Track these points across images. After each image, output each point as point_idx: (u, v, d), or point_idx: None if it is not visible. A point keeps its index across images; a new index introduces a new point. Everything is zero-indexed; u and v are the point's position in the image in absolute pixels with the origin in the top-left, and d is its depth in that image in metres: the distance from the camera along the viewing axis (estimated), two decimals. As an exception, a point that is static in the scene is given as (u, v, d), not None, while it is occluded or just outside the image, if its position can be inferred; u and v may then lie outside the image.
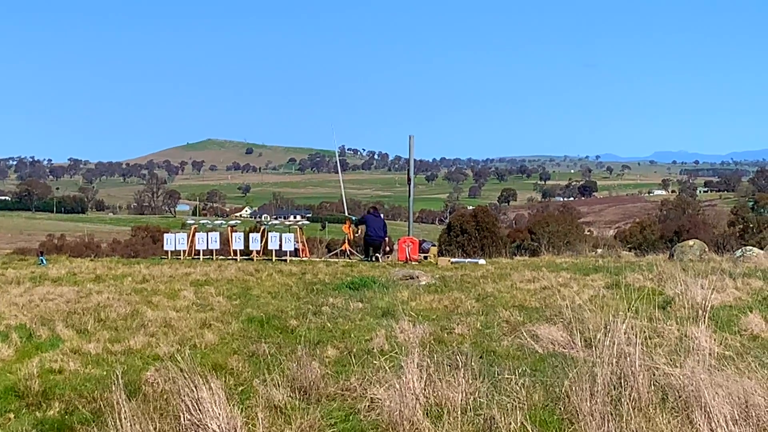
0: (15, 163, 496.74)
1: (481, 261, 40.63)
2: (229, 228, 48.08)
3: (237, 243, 45.47)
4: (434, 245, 48.02)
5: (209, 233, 46.04)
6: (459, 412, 11.75)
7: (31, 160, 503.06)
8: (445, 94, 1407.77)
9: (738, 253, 39.91)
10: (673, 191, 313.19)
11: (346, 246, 48.14)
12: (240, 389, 13.54)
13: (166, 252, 46.34)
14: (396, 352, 14.78)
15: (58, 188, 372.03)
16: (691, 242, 45.22)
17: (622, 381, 11.74)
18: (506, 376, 13.34)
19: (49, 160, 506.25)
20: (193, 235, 45.88)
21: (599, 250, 51.22)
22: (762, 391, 11.05)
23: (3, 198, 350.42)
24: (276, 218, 51.79)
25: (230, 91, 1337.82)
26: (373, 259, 41.34)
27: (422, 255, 42.02)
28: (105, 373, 14.78)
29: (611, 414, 10.68)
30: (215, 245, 45.49)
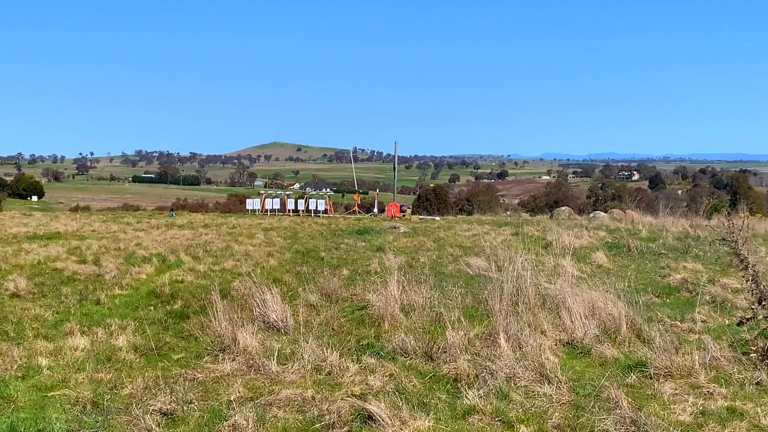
0: (157, 154, 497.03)
1: (437, 218, 40.65)
2: (285, 196, 48.25)
3: (290, 205, 45.68)
4: (409, 208, 48.17)
5: (273, 199, 46.57)
6: (421, 309, 11.77)
7: (167, 152, 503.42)
8: (417, 112, 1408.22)
9: (591, 215, 39.98)
10: (553, 176, 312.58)
11: (356, 208, 48.30)
12: (289, 294, 13.53)
13: (248, 210, 46.63)
14: (384, 273, 14.82)
15: (183, 170, 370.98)
16: (563, 208, 45.31)
17: (519, 292, 11.73)
18: (450, 288, 13.36)
19: (177, 153, 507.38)
20: (264, 200, 46.14)
21: (508, 212, 51.20)
22: (602, 298, 11.05)
23: (150, 175, 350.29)
24: (314, 190, 51.82)
25: (287, 112, 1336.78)
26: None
27: (402, 214, 42.13)
28: (208, 283, 14.78)
29: (512, 311, 10.70)
30: (277, 206, 45.81)
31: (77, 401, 7.78)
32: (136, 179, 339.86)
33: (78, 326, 11.09)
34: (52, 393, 8.09)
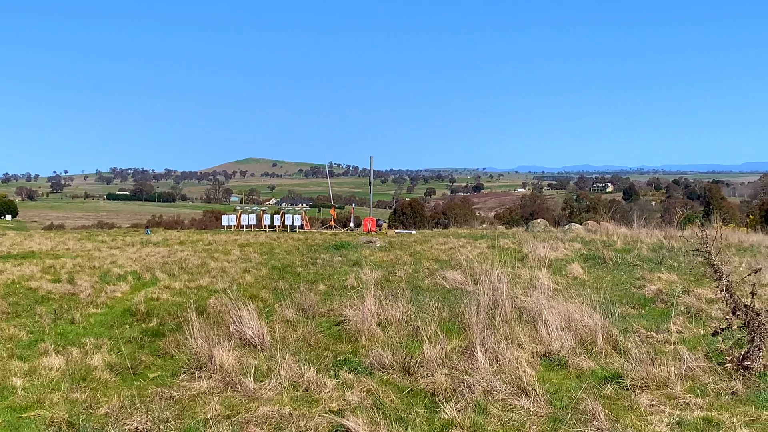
0: (132, 171, 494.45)
1: (413, 231, 40.71)
2: (261, 211, 48.28)
3: (266, 220, 45.75)
4: (385, 222, 48.14)
5: (249, 215, 46.54)
6: (398, 324, 11.76)
7: (141, 169, 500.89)
8: (393, 126, 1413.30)
9: (566, 227, 40.11)
10: (528, 189, 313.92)
11: (332, 222, 48.34)
12: (266, 310, 13.49)
13: (224, 226, 46.55)
14: (361, 287, 14.81)
15: (158, 187, 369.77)
16: (538, 220, 45.38)
17: (496, 305, 11.76)
18: (427, 302, 13.36)
19: (152, 169, 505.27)
20: (240, 216, 46.08)
21: (484, 225, 51.25)
22: (578, 310, 11.10)
23: (125, 193, 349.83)
24: (290, 206, 51.96)
25: (263, 127, 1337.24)
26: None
27: (378, 228, 42.19)
28: (184, 300, 14.73)
29: (489, 324, 10.72)
30: (253, 222, 45.74)
31: (52, 421, 7.71)
32: (111, 197, 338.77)
33: (53, 346, 11.01)
34: (26, 413, 8.02)
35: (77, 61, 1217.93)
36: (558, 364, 9.63)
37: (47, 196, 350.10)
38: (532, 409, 7.86)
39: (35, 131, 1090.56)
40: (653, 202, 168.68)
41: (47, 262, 22.79)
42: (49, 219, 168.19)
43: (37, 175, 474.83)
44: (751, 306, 9.32)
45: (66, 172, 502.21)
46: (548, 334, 10.48)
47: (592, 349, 10.14)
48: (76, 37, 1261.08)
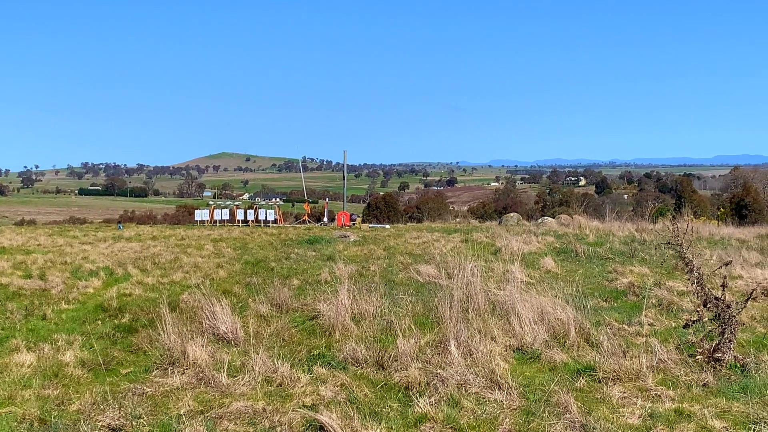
0: (103, 166, 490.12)
1: (387, 226, 40.71)
2: (234, 206, 48.18)
3: (240, 215, 45.59)
4: (359, 217, 48.25)
5: (222, 209, 46.46)
6: (372, 318, 11.77)
7: (113, 164, 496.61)
8: (366, 120, 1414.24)
9: (539, 220, 40.33)
10: (502, 183, 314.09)
11: (306, 217, 48.28)
12: (239, 305, 13.45)
13: (197, 221, 46.40)
14: (335, 282, 14.80)
15: (130, 182, 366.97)
16: (511, 214, 45.70)
17: (469, 298, 11.79)
18: (400, 296, 13.37)
19: (124, 164, 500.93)
20: (213, 211, 45.95)
21: (458, 219, 51.38)
22: (551, 303, 11.15)
23: (97, 187, 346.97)
24: (263, 200, 51.84)
25: (235, 122, 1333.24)
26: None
27: (351, 222, 42.19)
28: (157, 296, 14.64)
29: (462, 318, 10.74)
30: (226, 216, 45.67)
31: (24, 418, 7.64)
32: (83, 192, 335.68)
33: (24, 342, 10.90)
34: (-3, 411, 7.94)
35: (48, 55, 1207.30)
36: (531, 357, 9.67)
37: (18, 191, 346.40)
38: (505, 402, 7.88)
39: (5, 126, 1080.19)
40: (625, 196, 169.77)
41: (18, 257, 22.58)
42: (20, 214, 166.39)
43: (7, 171, 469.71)
44: (722, 298, 9.41)
45: (37, 167, 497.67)
46: (521, 327, 10.52)
47: (565, 342, 10.19)
48: (47, 31, 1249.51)
